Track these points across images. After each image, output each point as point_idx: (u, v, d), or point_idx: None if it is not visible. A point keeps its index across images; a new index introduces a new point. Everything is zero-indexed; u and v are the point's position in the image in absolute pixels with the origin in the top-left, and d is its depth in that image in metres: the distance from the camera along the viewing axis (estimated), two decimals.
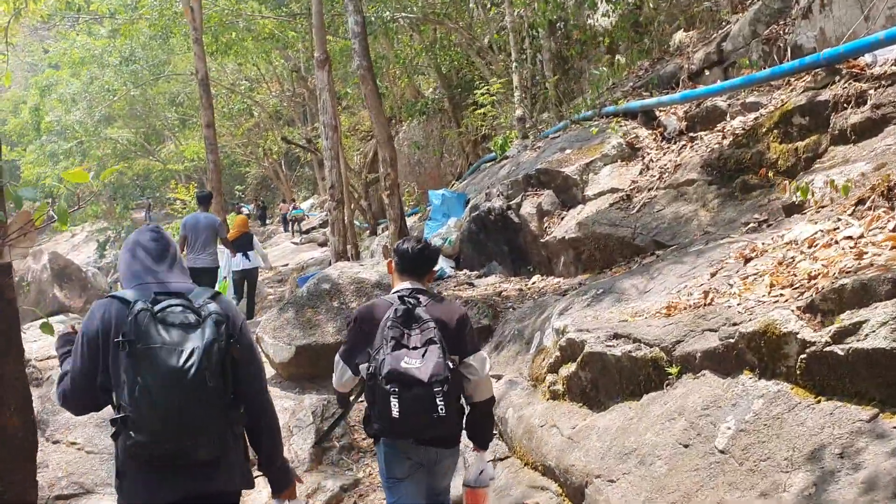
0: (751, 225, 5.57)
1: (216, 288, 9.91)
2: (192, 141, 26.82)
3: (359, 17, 9.70)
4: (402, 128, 21.06)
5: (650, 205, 6.93)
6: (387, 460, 3.24)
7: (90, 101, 26.29)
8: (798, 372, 3.01)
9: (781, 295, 3.43)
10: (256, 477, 2.71)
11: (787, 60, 6.99)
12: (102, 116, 27.98)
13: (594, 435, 3.94)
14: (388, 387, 2.91)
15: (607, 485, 3.52)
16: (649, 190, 7.18)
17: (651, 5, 11.37)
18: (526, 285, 7.63)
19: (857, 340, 2.76)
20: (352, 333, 3.25)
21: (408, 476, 3.22)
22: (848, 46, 5.63)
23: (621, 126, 8.63)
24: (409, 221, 13.67)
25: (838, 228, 4.04)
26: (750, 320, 3.33)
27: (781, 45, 7.75)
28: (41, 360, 6.09)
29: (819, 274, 3.39)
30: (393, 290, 3.34)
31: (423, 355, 2.97)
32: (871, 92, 5.28)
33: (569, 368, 4.47)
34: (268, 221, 31.25)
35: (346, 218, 11.66)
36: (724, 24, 9.44)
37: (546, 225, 8.14)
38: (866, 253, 3.35)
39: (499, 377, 5.41)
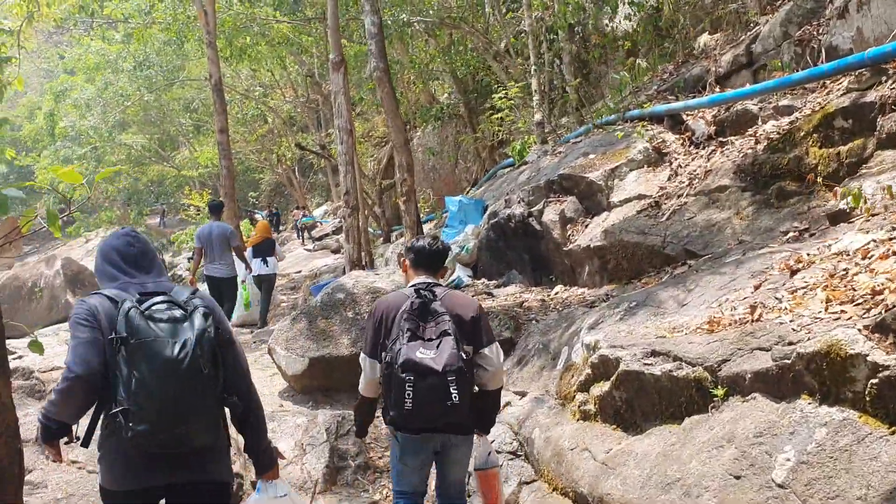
0: (791, 234, 5.26)
1: (238, 296, 9.82)
2: (207, 147, 26.70)
3: (376, 18, 9.46)
4: (416, 134, 20.82)
5: (680, 212, 6.62)
6: (401, 449, 3.37)
7: (104, 106, 26.23)
8: (867, 398, 2.70)
9: (843, 311, 3.12)
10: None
11: (822, 62, 6.68)
12: (117, 122, 27.91)
13: (631, 461, 3.64)
14: (404, 376, 3.02)
15: None
16: (679, 196, 6.87)
17: (671, 7, 11.05)
18: (548, 295, 7.33)
19: None
20: (371, 327, 3.37)
21: (418, 467, 3.42)
22: None
23: (647, 130, 8.32)
24: (425, 228, 13.41)
25: (894, 238, 3.74)
26: (808, 339, 3.02)
27: (815, 46, 7.43)
28: (44, 372, 5.85)
29: (885, 289, 3.08)
30: (409, 284, 3.46)
31: (438, 346, 3.09)
32: None
33: (601, 387, 4.16)
34: (281, 228, 31.08)
35: (360, 225, 11.39)
36: (752, 25, 9.12)
37: (569, 232, 7.84)
38: None
39: (523, 394, 5.12)
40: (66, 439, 2.58)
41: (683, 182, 7.11)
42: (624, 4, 11.49)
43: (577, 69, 13.15)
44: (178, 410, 2.38)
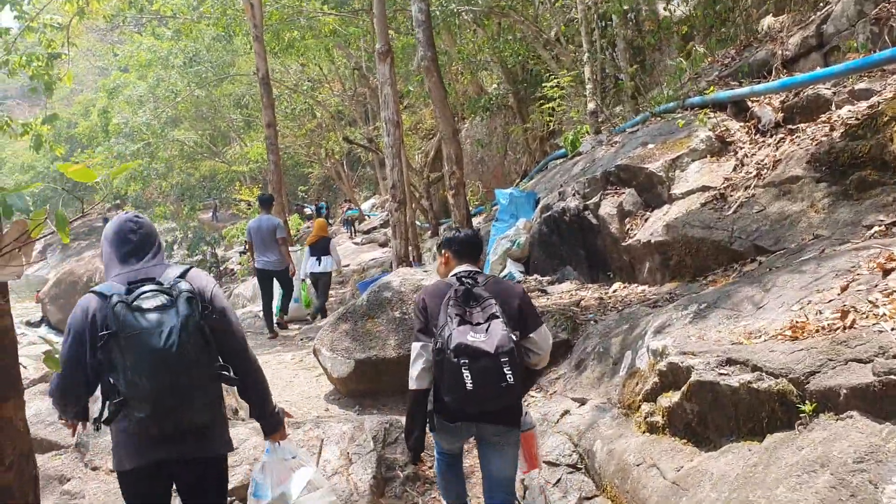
0: (876, 228, 4.81)
1: (293, 289, 10.15)
2: (257, 142, 26.76)
3: (423, 5, 9.16)
4: (464, 125, 20.48)
5: (748, 205, 6.18)
6: (439, 433, 3.43)
7: (156, 102, 26.50)
8: None
9: None
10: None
11: None
12: (169, 118, 28.17)
13: (706, 482, 3.28)
14: (458, 360, 3.00)
15: None
16: (746, 188, 6.43)
17: None
18: (606, 294, 6.96)
19: None
20: (419, 316, 3.37)
21: (458, 454, 3.58)
22: None
23: (709, 118, 7.85)
24: (475, 222, 13.10)
25: None
26: None
27: (894, 24, 6.91)
28: None
29: None
30: (451, 274, 3.46)
31: (487, 330, 3.07)
32: None
33: (670, 398, 3.81)
34: (330, 221, 31.09)
35: (407, 219, 11.14)
36: (822, 5, 8.56)
37: (628, 227, 7.44)
38: None
39: (583, 401, 4.79)
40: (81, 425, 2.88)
41: (750, 172, 6.66)
42: None
43: (631, 56, 12.67)
44: (174, 397, 2.48)
